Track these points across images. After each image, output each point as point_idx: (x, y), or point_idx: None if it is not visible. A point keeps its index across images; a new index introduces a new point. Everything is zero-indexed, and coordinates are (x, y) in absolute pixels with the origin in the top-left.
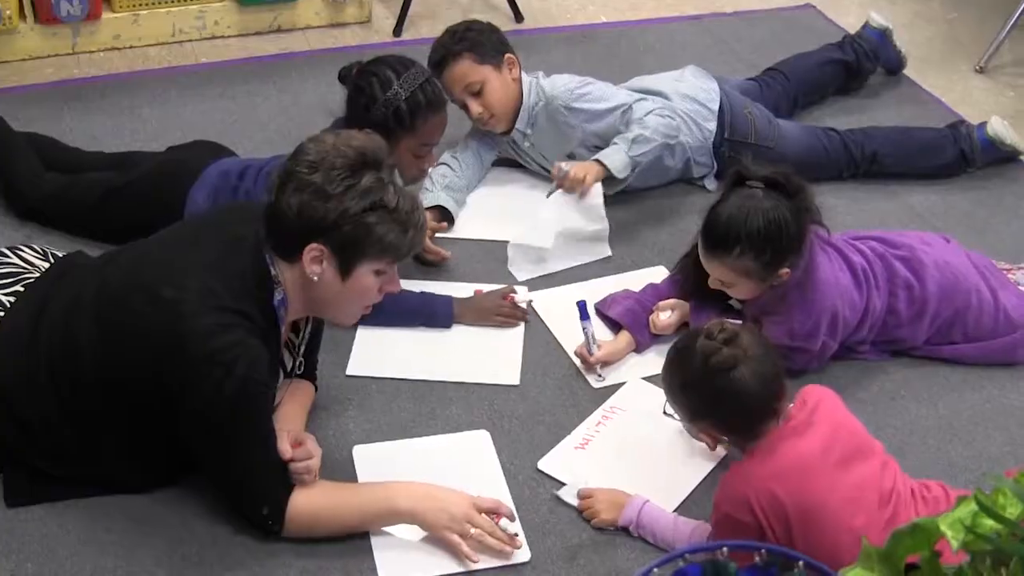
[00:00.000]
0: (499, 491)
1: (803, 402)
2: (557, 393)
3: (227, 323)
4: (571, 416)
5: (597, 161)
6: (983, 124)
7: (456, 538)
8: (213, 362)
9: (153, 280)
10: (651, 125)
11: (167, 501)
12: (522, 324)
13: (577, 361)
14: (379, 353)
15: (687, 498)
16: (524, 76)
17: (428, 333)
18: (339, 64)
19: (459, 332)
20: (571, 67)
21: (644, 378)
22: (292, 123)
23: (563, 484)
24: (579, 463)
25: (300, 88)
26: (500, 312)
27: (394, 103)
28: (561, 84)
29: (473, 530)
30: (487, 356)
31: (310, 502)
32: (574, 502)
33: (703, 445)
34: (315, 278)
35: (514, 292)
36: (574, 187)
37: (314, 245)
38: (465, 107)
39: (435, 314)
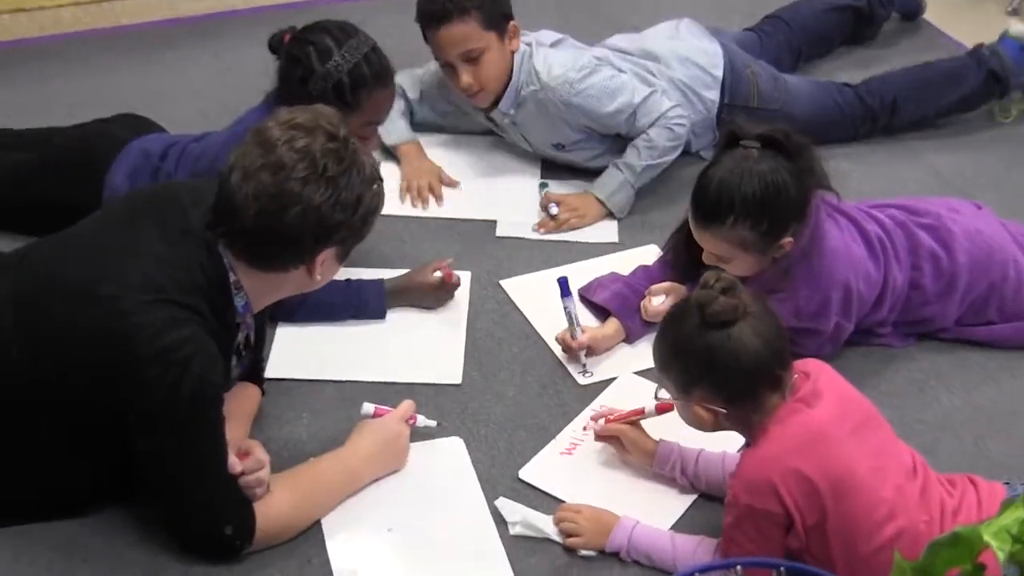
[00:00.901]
0: (476, 505)
1: (805, 374)
2: (539, 392)
3: (177, 317)
4: (555, 418)
5: (597, 199)
6: (1003, 35)
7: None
8: (166, 361)
9: (85, 276)
10: (660, 145)
11: (97, 527)
12: (464, 317)
13: (559, 350)
14: (302, 351)
15: (689, 507)
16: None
17: (360, 327)
18: (279, 23)
19: (394, 325)
20: (548, 25)
21: (637, 373)
22: (230, 91)
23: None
24: (565, 471)
25: (238, 51)
26: (432, 283)
27: (335, 76)
28: (559, 73)
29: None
30: (425, 352)
31: (273, 511)
32: (531, 533)
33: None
34: (319, 277)
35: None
36: (568, 228)
37: (328, 251)
38: (450, 69)
39: (365, 304)
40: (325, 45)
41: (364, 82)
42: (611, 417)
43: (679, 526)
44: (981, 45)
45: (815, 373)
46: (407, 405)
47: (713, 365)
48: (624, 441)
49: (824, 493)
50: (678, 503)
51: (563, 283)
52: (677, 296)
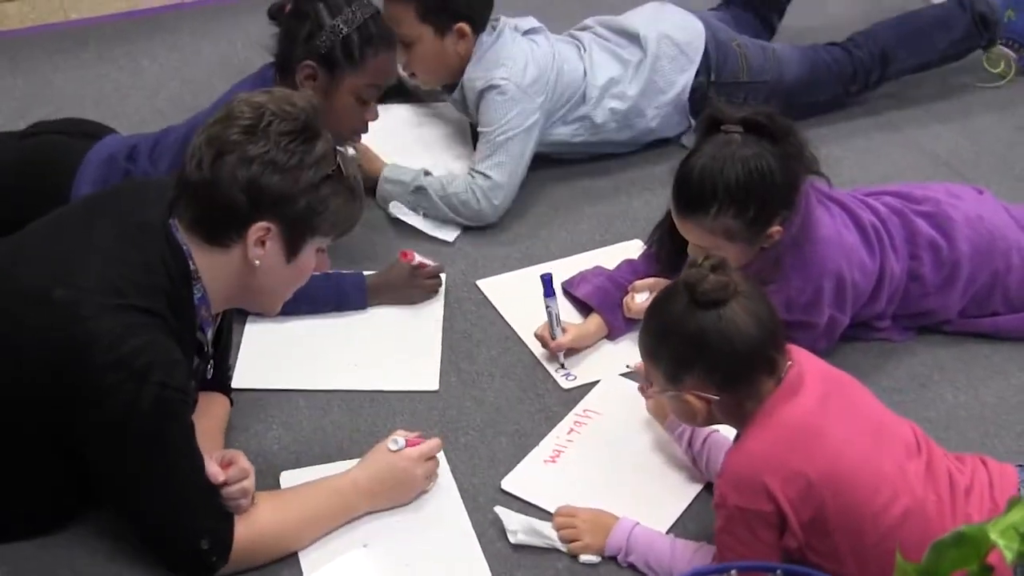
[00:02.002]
0: (456, 517)
1: (787, 359)
2: (520, 397)
3: (135, 323)
4: (537, 423)
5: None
6: None
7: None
8: (123, 370)
9: (38, 280)
10: (450, 189)
11: (56, 548)
12: (440, 320)
13: (539, 350)
14: (271, 360)
15: (682, 515)
16: (485, 38)
17: (331, 332)
18: (240, 14)
19: (367, 330)
20: (524, 2)
21: (623, 375)
22: (186, 88)
23: (538, 510)
24: (549, 480)
25: (194, 45)
26: (416, 284)
27: (343, 31)
28: (480, 75)
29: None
30: (399, 357)
31: (255, 526)
32: (534, 540)
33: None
34: (257, 262)
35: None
36: None
37: (261, 224)
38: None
39: (346, 296)
40: (335, 1)
41: (371, 40)
42: None
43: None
44: None
45: (795, 359)
46: (434, 445)
47: (704, 348)
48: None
49: (820, 485)
50: (667, 513)
51: (547, 280)
52: None
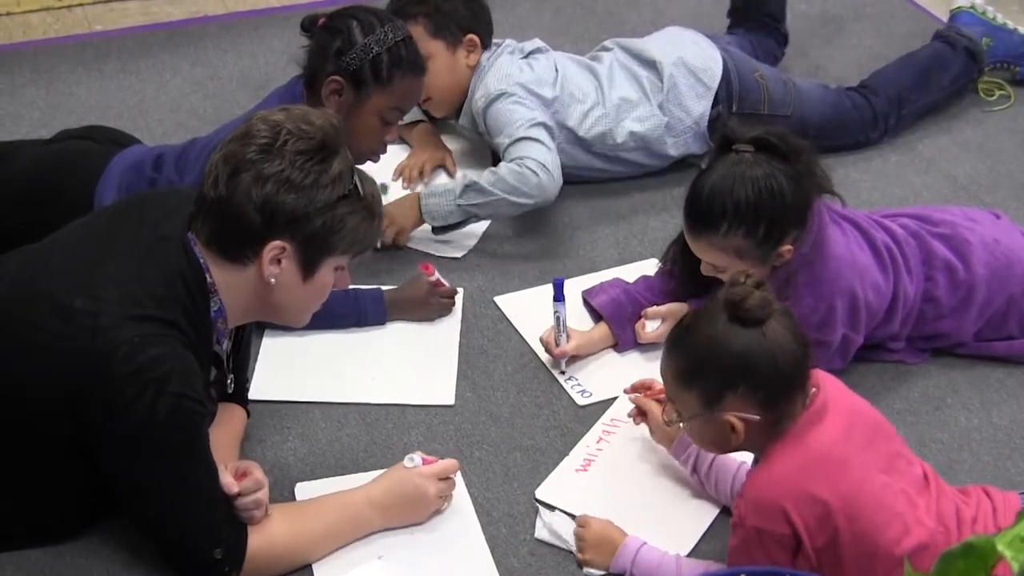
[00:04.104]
0: (471, 531)
1: (813, 386)
2: (535, 413)
3: (153, 334)
4: (552, 439)
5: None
6: (951, 15)
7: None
8: (141, 380)
9: (59, 290)
10: (501, 172)
11: (71, 557)
12: (457, 336)
13: (542, 351)
14: (288, 372)
15: (707, 530)
16: (485, 59)
17: (348, 346)
18: (263, 29)
19: (384, 344)
20: (540, 25)
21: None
22: (209, 101)
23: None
24: (581, 489)
25: (217, 59)
26: (432, 301)
27: (374, 50)
28: (480, 95)
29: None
30: (416, 372)
31: (269, 538)
32: (555, 540)
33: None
34: (272, 280)
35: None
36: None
37: (276, 243)
38: None
39: (366, 312)
40: (368, 20)
41: (400, 63)
42: (648, 392)
43: (698, 549)
44: (938, 33)
45: (821, 386)
46: (449, 464)
47: (750, 366)
48: (650, 419)
49: (837, 513)
50: (696, 524)
51: (558, 285)
52: (674, 320)
